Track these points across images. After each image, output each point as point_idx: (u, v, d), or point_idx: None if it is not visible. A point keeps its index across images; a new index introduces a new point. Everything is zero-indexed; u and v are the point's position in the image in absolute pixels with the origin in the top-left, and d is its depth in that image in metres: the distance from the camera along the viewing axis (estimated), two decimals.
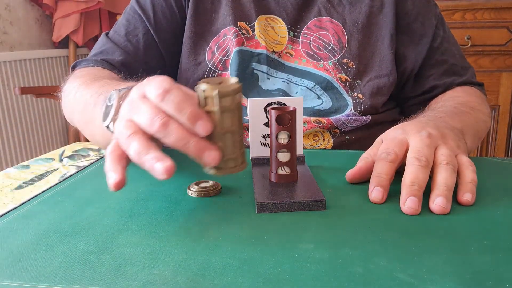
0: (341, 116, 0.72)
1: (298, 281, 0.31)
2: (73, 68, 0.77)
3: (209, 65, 0.75)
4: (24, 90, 1.80)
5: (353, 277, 0.31)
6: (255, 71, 0.75)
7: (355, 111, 0.72)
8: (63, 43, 2.42)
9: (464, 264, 0.33)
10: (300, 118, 0.50)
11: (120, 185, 0.39)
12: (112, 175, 0.39)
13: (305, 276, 0.32)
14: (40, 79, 2.31)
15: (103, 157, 0.63)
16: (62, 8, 2.24)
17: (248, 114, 0.52)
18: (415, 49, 0.76)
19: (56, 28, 2.29)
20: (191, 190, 0.48)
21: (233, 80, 0.41)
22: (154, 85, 0.40)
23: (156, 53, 0.78)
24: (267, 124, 0.53)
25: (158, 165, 0.38)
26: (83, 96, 0.61)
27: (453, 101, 0.70)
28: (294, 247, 0.36)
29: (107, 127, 0.49)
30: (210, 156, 0.39)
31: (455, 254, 0.34)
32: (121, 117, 0.42)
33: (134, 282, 0.31)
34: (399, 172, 0.48)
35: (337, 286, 0.30)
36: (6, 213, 0.44)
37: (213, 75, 0.75)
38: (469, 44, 1.63)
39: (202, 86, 0.40)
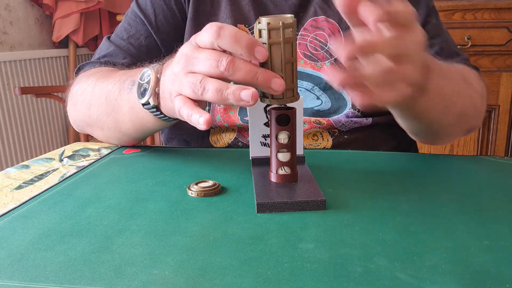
0: (341, 118, 0.72)
1: (298, 281, 0.31)
2: (78, 71, 0.76)
3: None
4: (24, 90, 1.80)
5: (353, 277, 0.31)
6: None
7: (353, 109, 0.72)
8: (63, 43, 2.42)
9: (464, 264, 0.33)
10: (300, 118, 0.50)
11: (210, 122, 0.42)
12: (198, 116, 0.42)
13: (305, 276, 0.32)
14: (40, 79, 2.31)
15: (103, 157, 0.63)
16: (62, 8, 2.24)
17: (248, 114, 0.52)
18: None
19: (56, 28, 2.29)
20: (191, 190, 0.48)
21: (287, 15, 0.44)
22: (206, 30, 0.42)
23: (159, 56, 0.77)
24: (267, 124, 0.53)
25: (244, 93, 0.40)
26: (103, 88, 0.60)
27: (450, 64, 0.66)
28: (294, 247, 0.36)
29: (147, 103, 0.51)
30: (277, 83, 0.41)
31: (455, 253, 0.34)
32: (177, 74, 0.45)
33: (134, 282, 0.31)
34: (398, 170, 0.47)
35: (337, 286, 0.30)
36: (6, 213, 0.44)
37: None
38: (469, 44, 1.63)
39: (265, 20, 0.42)
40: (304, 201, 0.43)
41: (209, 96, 0.42)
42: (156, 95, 0.50)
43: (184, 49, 0.45)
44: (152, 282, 0.31)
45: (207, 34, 0.42)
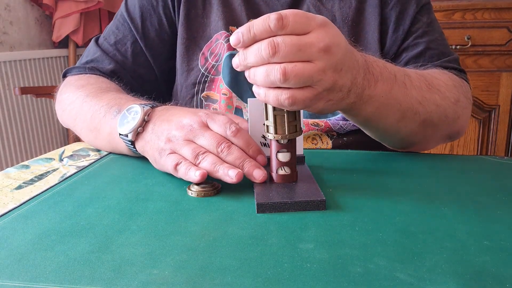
0: (339, 121, 0.72)
1: (298, 281, 0.31)
2: (65, 74, 0.76)
3: (202, 70, 0.75)
4: (24, 90, 1.80)
5: (353, 277, 0.31)
6: None
7: None
8: (63, 43, 2.42)
9: (464, 264, 0.33)
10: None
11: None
12: (231, 171, 0.46)
13: (305, 276, 0.32)
14: (40, 79, 2.31)
15: (103, 157, 0.63)
16: (62, 8, 2.24)
17: (248, 114, 0.52)
18: (392, 37, 0.73)
19: (56, 28, 2.29)
20: (191, 190, 0.48)
21: None
22: (220, 124, 0.50)
23: (145, 62, 0.77)
24: None
25: (231, 172, 0.46)
26: (91, 107, 0.63)
27: (416, 69, 0.64)
28: (294, 247, 0.36)
29: (125, 135, 0.55)
30: (258, 174, 0.47)
31: (455, 253, 0.34)
32: (177, 139, 0.50)
33: (134, 282, 0.31)
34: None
35: (337, 286, 0.30)
36: (6, 213, 0.44)
37: (205, 79, 0.75)
38: (469, 44, 1.63)
39: None
40: (304, 201, 0.43)
41: (203, 165, 0.47)
42: (136, 133, 0.54)
43: (191, 121, 0.50)
44: (152, 282, 0.31)
45: (220, 127, 0.49)
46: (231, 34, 0.72)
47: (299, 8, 0.74)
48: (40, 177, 0.56)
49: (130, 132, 0.54)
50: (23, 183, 0.54)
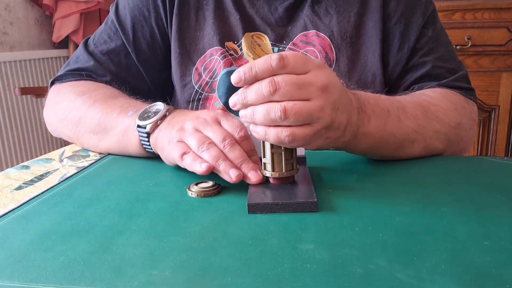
0: None
1: (298, 281, 0.31)
2: (53, 82, 0.75)
3: (196, 87, 0.73)
4: (24, 91, 1.80)
5: (353, 277, 0.31)
6: None
7: None
8: (63, 43, 2.42)
9: (464, 265, 0.33)
10: None
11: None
12: (232, 171, 0.47)
13: (305, 276, 0.32)
14: (40, 79, 2.31)
15: (103, 157, 0.63)
16: (62, 8, 2.24)
17: None
18: (396, 55, 0.71)
19: (56, 28, 2.29)
20: (191, 191, 0.48)
21: None
22: (231, 125, 0.51)
23: (137, 74, 0.76)
24: None
25: (232, 171, 0.47)
26: (101, 110, 0.63)
27: (413, 96, 0.63)
28: (294, 247, 0.36)
29: (143, 127, 0.56)
30: (254, 175, 0.48)
31: (455, 254, 0.34)
32: (186, 128, 0.51)
33: (134, 282, 0.31)
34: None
35: (337, 287, 0.30)
36: (6, 213, 0.44)
37: (199, 97, 0.73)
38: (469, 44, 1.63)
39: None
40: (295, 203, 0.43)
41: (205, 156, 0.48)
42: (155, 126, 0.56)
43: (206, 116, 0.53)
44: (152, 282, 0.31)
45: (231, 129, 0.51)
46: (227, 51, 0.72)
47: (296, 24, 0.73)
48: (40, 177, 0.56)
49: (149, 124, 0.55)
50: (23, 183, 0.54)
